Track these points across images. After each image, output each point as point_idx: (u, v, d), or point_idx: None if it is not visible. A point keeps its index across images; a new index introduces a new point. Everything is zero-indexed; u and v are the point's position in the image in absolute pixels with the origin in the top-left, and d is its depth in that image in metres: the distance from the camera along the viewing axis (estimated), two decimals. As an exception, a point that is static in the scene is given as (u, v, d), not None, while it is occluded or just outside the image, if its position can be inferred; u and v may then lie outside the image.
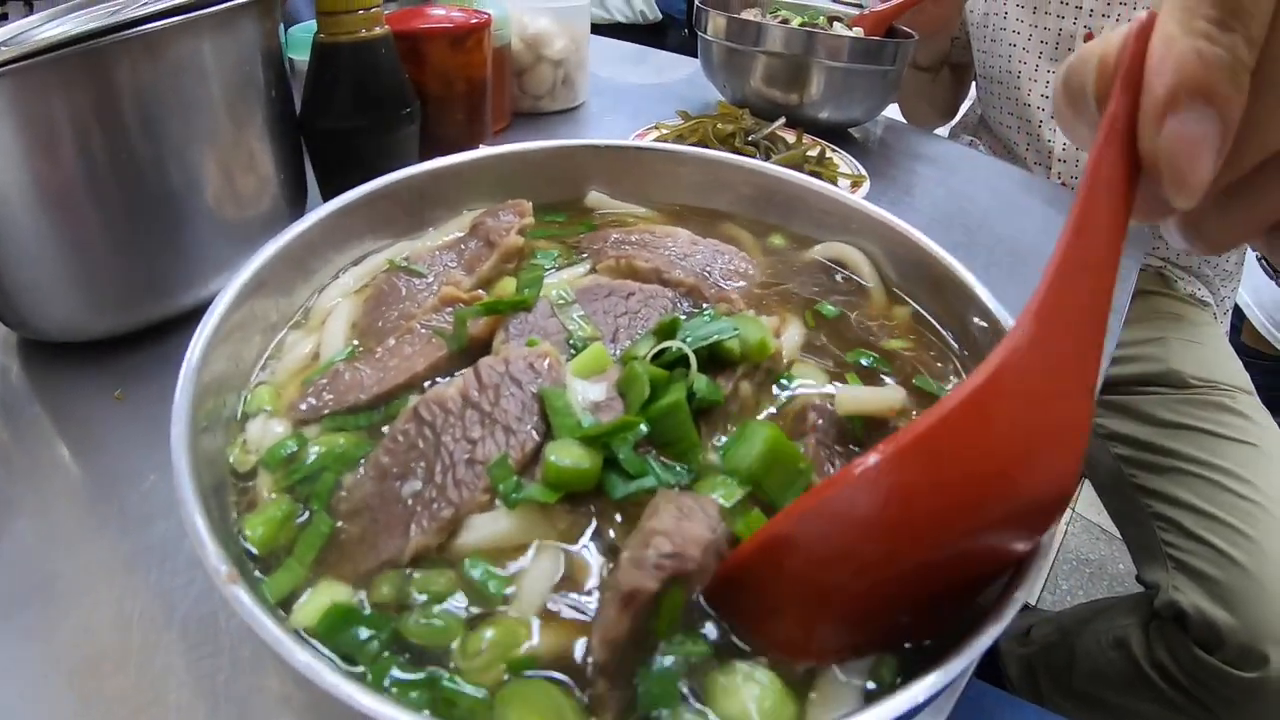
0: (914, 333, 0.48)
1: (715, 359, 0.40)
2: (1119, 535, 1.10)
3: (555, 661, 0.29)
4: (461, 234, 0.52)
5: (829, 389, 0.42)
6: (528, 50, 1.03)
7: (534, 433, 0.36)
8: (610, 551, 0.33)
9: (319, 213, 0.46)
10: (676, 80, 1.29)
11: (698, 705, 0.28)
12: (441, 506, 0.33)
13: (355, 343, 0.44)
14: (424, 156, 0.52)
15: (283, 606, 0.31)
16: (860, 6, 1.24)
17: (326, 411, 0.39)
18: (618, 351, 0.42)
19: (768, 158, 0.89)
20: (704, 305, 0.47)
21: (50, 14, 0.58)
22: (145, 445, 0.52)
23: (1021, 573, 0.29)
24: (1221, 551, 0.88)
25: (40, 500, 0.49)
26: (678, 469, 0.36)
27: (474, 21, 0.82)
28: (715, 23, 1.03)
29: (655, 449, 0.36)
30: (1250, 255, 1.36)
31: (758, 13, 1.14)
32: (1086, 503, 1.93)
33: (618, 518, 0.34)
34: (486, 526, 0.33)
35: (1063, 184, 1.13)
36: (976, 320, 0.44)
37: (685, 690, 0.29)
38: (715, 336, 0.40)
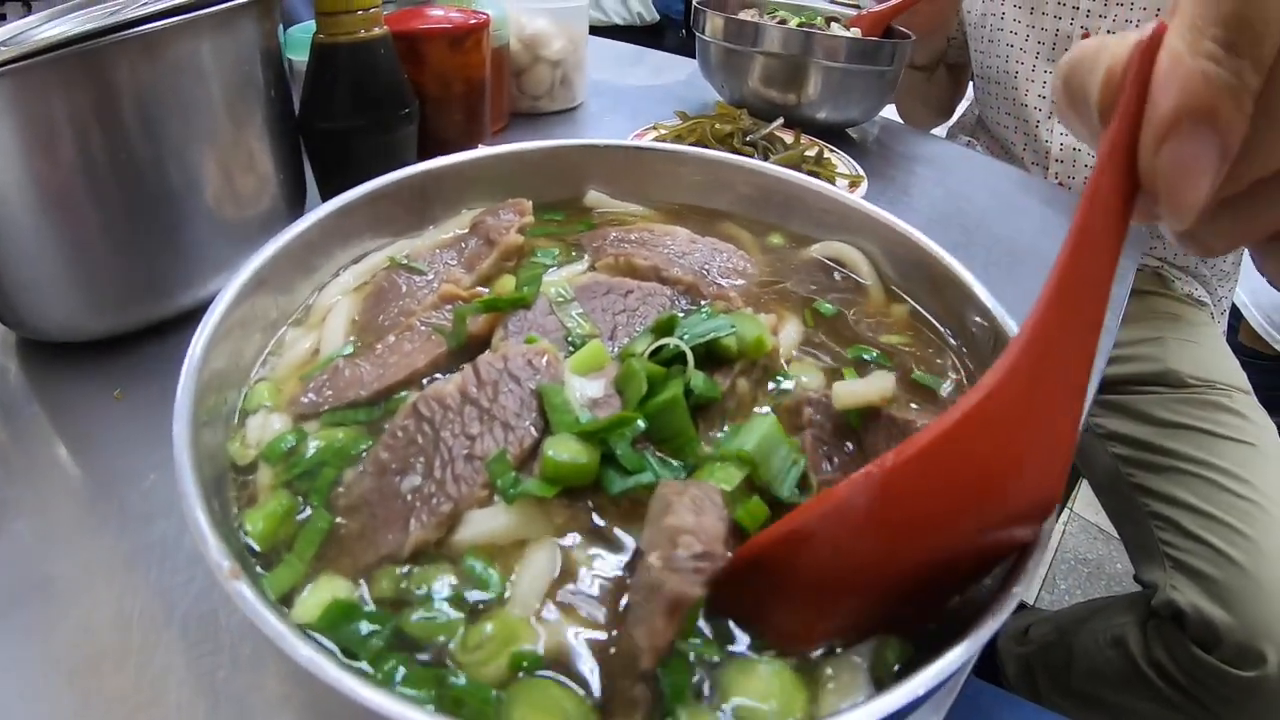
0: (911, 330, 0.49)
1: (713, 356, 0.40)
2: (1117, 535, 1.10)
3: (561, 661, 0.30)
4: (462, 232, 0.53)
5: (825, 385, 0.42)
6: (526, 51, 1.03)
7: (532, 429, 0.36)
8: (605, 540, 0.33)
9: (320, 211, 0.47)
10: (674, 81, 1.29)
11: (712, 699, 0.29)
12: (440, 501, 0.33)
13: (355, 339, 0.44)
14: (422, 157, 0.53)
15: (284, 602, 0.31)
16: (858, 7, 1.24)
17: (326, 407, 0.39)
18: (616, 349, 0.42)
19: (766, 158, 0.90)
20: (702, 303, 0.47)
21: (49, 14, 0.58)
22: (144, 444, 0.52)
23: (1020, 567, 0.30)
24: (1219, 550, 0.89)
25: (40, 499, 0.49)
26: (675, 465, 0.36)
27: (472, 22, 0.82)
28: (713, 23, 1.03)
29: (653, 445, 0.36)
30: (1248, 256, 1.37)
31: (755, 13, 1.14)
32: (1084, 502, 1.93)
33: (616, 513, 0.34)
34: (485, 521, 0.33)
35: (1060, 184, 1.13)
36: (975, 318, 0.45)
37: (700, 685, 0.29)
38: (713, 333, 0.40)
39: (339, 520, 0.34)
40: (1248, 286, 1.55)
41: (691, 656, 0.29)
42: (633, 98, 1.21)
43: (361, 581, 0.32)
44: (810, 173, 0.85)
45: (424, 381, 0.41)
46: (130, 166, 0.53)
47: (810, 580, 0.30)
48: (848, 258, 0.53)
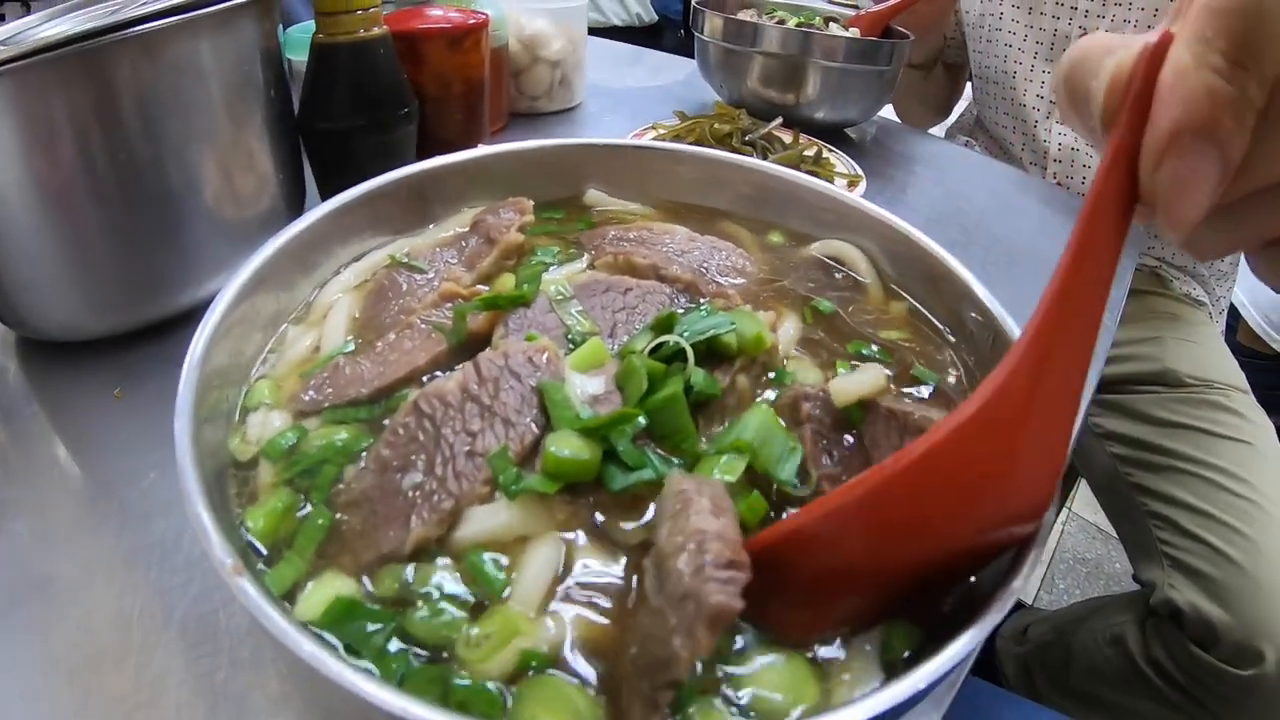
0: (910, 327, 0.49)
1: (712, 353, 0.40)
2: (1115, 534, 1.10)
3: (567, 658, 0.30)
4: (462, 230, 0.53)
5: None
6: (525, 51, 1.04)
7: (533, 425, 0.36)
8: (607, 537, 0.33)
9: (320, 211, 0.47)
10: (673, 81, 1.29)
11: (726, 694, 0.29)
12: (442, 498, 0.33)
13: (355, 337, 0.44)
14: (421, 157, 0.53)
15: (286, 599, 0.31)
16: (856, 7, 1.25)
17: (327, 404, 0.39)
18: (615, 346, 0.42)
19: (765, 158, 0.90)
20: (701, 301, 0.47)
21: (49, 14, 0.58)
22: (144, 443, 0.51)
23: (1019, 563, 0.30)
24: (1217, 549, 0.89)
25: (39, 499, 0.49)
26: (675, 461, 0.36)
27: (471, 22, 0.82)
28: (712, 23, 1.03)
29: (653, 441, 0.36)
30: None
31: (754, 13, 1.14)
32: (1083, 502, 1.94)
33: (617, 510, 0.34)
34: (487, 518, 0.33)
35: (1058, 184, 1.13)
36: (973, 315, 0.45)
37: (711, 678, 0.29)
38: (712, 331, 0.40)
39: (340, 517, 0.34)
40: (1246, 286, 1.55)
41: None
42: (631, 98, 1.21)
43: (364, 579, 0.32)
44: (809, 172, 0.86)
45: (424, 379, 0.41)
46: (130, 166, 0.53)
47: (810, 579, 0.31)
48: (846, 256, 0.53)
